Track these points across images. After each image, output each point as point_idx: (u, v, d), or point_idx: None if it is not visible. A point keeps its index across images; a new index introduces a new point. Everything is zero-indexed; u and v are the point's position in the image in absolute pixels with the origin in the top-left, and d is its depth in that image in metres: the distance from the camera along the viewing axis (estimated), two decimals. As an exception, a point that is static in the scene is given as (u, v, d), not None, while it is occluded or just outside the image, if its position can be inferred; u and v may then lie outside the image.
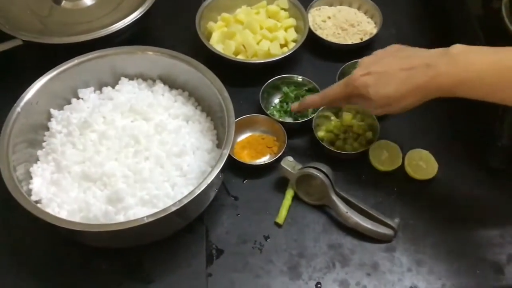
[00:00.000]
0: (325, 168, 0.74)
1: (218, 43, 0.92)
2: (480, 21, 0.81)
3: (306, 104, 0.78)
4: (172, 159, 0.74)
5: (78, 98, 0.81)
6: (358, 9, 0.98)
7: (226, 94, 0.75)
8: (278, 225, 0.74)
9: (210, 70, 0.78)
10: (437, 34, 0.96)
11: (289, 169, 0.75)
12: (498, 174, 0.77)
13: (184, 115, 0.80)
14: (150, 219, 0.65)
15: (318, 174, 0.73)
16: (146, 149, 0.75)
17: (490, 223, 0.74)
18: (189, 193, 0.67)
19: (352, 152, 0.79)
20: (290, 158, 0.77)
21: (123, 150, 0.75)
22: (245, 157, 0.81)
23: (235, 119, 0.77)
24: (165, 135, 0.76)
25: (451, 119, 0.85)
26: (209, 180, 0.68)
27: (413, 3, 1.03)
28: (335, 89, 0.73)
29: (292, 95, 0.87)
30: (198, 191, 0.67)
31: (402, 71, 0.66)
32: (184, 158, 0.75)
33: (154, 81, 0.83)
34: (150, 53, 0.81)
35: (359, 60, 0.73)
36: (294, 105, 0.81)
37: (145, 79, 0.83)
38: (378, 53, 0.72)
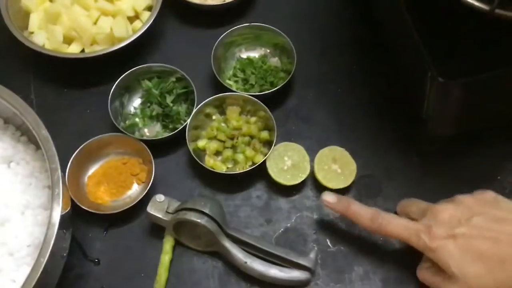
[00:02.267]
0: (207, 207, 0.54)
1: (40, 31, 0.65)
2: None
3: (348, 211, 0.54)
4: (-11, 232, 0.52)
5: None
6: None
7: (44, 131, 0.51)
8: (159, 291, 0.55)
9: (32, 74, 0.60)
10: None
11: (160, 216, 0.54)
12: (429, 166, 0.60)
13: (2, 156, 0.56)
14: None
15: (198, 221, 0.53)
16: None
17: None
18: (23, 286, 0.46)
19: (244, 171, 0.58)
20: (159, 197, 0.55)
21: None
22: (103, 196, 0.59)
23: (84, 142, 0.59)
24: (-26, 198, 0.53)
25: (368, 101, 0.65)
26: (44, 261, 0.47)
27: None
28: (395, 225, 0.52)
29: (156, 92, 0.63)
30: (31, 283, 0.46)
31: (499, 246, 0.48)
32: (7, 227, 0.53)
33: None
34: None
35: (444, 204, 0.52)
36: (330, 198, 0.55)
37: None
38: (464, 200, 0.51)
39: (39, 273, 0.46)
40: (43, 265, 0.47)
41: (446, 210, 0.51)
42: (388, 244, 0.57)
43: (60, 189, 0.49)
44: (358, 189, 0.60)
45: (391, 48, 0.61)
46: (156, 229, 0.57)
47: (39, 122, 0.51)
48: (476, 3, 0.49)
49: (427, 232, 0.50)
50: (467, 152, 0.61)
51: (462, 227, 0.49)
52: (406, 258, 0.55)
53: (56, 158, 0.50)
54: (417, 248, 0.51)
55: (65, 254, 0.53)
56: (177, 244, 0.57)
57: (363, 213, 0.53)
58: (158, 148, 0.60)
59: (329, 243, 0.57)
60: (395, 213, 0.56)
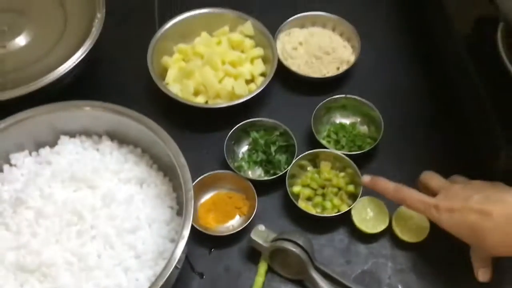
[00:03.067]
0: (301, 239, 0.64)
1: (175, 83, 0.80)
2: (470, 47, 0.70)
3: (377, 185, 0.67)
4: (123, 237, 0.63)
5: (10, 164, 0.69)
6: (333, 30, 0.87)
7: (182, 160, 0.64)
8: (251, 307, 0.65)
9: (163, 117, 0.70)
10: (420, 51, 0.85)
11: (261, 242, 0.65)
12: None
13: (137, 178, 0.69)
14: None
15: (293, 250, 0.63)
16: (92, 227, 0.64)
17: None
18: None
19: (331, 215, 0.69)
20: (261, 227, 0.66)
21: (65, 230, 0.63)
22: (211, 222, 0.71)
23: (200, 176, 0.70)
24: (114, 207, 0.65)
25: (443, 166, 0.72)
26: (170, 270, 0.57)
27: (391, 17, 0.91)
28: (414, 199, 0.64)
29: (261, 141, 0.75)
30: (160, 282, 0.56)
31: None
32: (138, 234, 0.64)
33: (100, 136, 0.72)
34: (89, 108, 0.69)
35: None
36: (366, 179, 0.68)
37: (89, 135, 0.72)
38: (472, 182, 0.64)
39: (163, 281, 0.56)
40: (167, 274, 0.56)
41: (454, 189, 0.62)
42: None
43: (191, 206, 0.61)
44: (430, 244, 0.68)
45: (473, 130, 0.71)
46: (252, 255, 0.68)
47: (178, 151, 0.64)
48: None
49: (436, 207, 0.61)
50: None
51: (459, 202, 0.60)
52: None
53: (190, 181, 0.62)
54: (432, 220, 0.63)
55: (179, 266, 0.64)
56: (269, 270, 0.67)
57: (388, 186, 0.66)
58: (259, 188, 0.72)
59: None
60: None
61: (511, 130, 0.61)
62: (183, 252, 0.59)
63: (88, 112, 0.69)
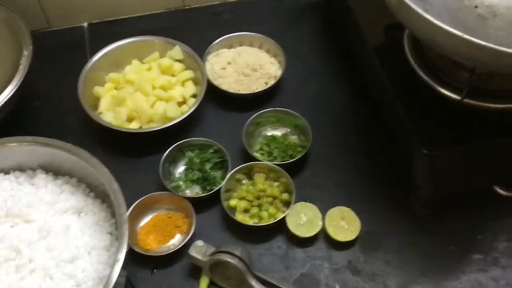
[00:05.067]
0: (238, 250, 0.66)
1: (108, 111, 0.81)
2: (380, 52, 0.75)
3: None
4: (62, 267, 0.64)
5: None
6: (260, 48, 0.91)
7: (115, 186, 0.65)
8: (195, 322, 0.66)
9: (99, 145, 0.73)
10: (342, 62, 0.90)
11: (199, 257, 0.67)
12: (426, 222, 0.72)
13: (74, 207, 0.70)
14: None
15: (230, 261, 0.65)
16: (30, 260, 0.64)
17: (422, 281, 0.69)
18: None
19: (266, 224, 0.71)
20: (199, 243, 0.68)
21: (3, 266, 0.64)
22: (151, 243, 0.72)
23: (137, 197, 0.72)
24: (51, 239, 0.66)
25: (370, 169, 0.78)
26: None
27: (313, 33, 0.95)
28: None
29: (197, 160, 0.78)
30: None
31: None
32: (77, 263, 0.65)
33: (34, 170, 0.73)
34: (21, 144, 0.70)
35: None
36: None
37: (23, 170, 0.72)
38: None
39: None
40: None
41: None
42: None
43: (126, 229, 0.62)
44: (362, 243, 0.72)
45: (390, 130, 0.75)
46: (194, 271, 0.69)
47: (111, 177, 0.66)
48: (448, 93, 0.65)
49: None
50: (452, 214, 0.73)
51: None
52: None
53: (124, 205, 0.63)
54: None
55: (119, 290, 0.65)
56: (211, 284, 0.68)
57: None
58: (197, 205, 0.74)
59: (337, 287, 0.69)
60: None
61: (421, 132, 0.65)
62: (120, 276, 0.60)
63: (21, 148, 0.70)
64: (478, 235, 0.72)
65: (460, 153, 0.64)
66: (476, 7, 0.67)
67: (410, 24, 0.58)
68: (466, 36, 0.49)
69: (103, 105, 0.82)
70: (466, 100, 0.63)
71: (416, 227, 0.73)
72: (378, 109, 0.77)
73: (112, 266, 0.64)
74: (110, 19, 0.98)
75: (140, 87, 0.81)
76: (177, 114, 0.80)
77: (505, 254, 0.70)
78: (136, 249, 0.69)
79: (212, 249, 0.68)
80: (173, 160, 0.78)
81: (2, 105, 0.74)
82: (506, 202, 0.73)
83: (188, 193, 0.77)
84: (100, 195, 0.71)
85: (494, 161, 0.67)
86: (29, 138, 0.70)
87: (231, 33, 0.91)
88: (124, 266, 0.63)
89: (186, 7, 1.00)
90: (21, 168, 0.72)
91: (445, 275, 0.69)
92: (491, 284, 0.68)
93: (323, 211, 0.73)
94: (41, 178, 0.71)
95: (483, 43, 0.49)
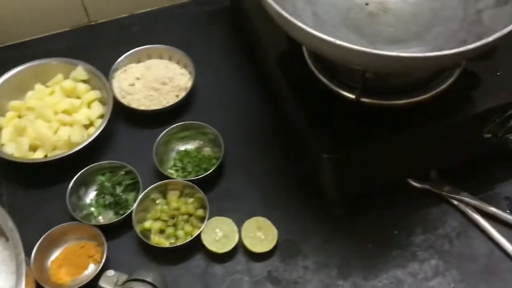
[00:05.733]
0: (150, 276, 0.64)
1: (10, 142, 0.77)
2: (279, 56, 0.73)
3: None
4: (-36, 316, 0.61)
5: None
6: (170, 59, 0.89)
7: (10, 224, 0.62)
8: None
9: (4, 179, 0.71)
10: (251, 68, 0.88)
11: (110, 288, 0.65)
12: (340, 223, 0.72)
13: (-25, 249, 0.66)
14: None
15: (142, 288, 0.63)
16: None
17: (341, 284, 0.68)
18: None
19: (181, 244, 0.69)
20: (109, 273, 0.66)
21: None
22: (64, 277, 0.69)
23: (48, 229, 0.69)
24: (-50, 286, 0.62)
25: (283, 176, 0.77)
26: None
27: (223, 43, 0.93)
28: None
29: (108, 184, 0.75)
30: None
31: None
32: (-20, 309, 0.62)
33: None
34: None
35: None
36: None
37: None
38: None
39: None
40: None
41: None
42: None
43: (23, 270, 0.59)
44: (281, 251, 0.70)
45: (295, 135, 0.75)
46: (111, 301, 0.67)
47: (6, 217, 0.62)
48: (345, 93, 0.64)
49: None
50: (367, 212, 0.73)
51: None
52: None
53: (20, 244, 0.61)
54: None
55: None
56: (129, 313, 0.66)
57: None
58: (111, 232, 0.71)
59: (260, 298, 0.68)
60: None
61: (321, 133, 0.64)
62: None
63: None
64: (394, 230, 0.72)
65: (361, 153, 0.63)
66: (367, 4, 0.66)
67: (287, 31, 0.57)
68: (338, 42, 0.48)
69: (5, 136, 0.78)
70: (362, 99, 0.62)
71: (332, 228, 0.72)
72: (286, 116, 0.76)
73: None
74: (11, 43, 0.93)
75: (41, 114, 0.77)
76: (83, 138, 0.77)
77: (421, 247, 0.70)
78: (46, 287, 0.66)
79: (125, 277, 0.65)
80: (83, 186, 0.75)
81: None
82: (420, 194, 0.74)
83: (101, 219, 0.74)
84: (3, 233, 0.68)
85: (400, 155, 0.68)
86: None
87: (139, 47, 0.89)
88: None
89: (92, 23, 0.96)
90: None
91: (365, 274, 0.69)
92: (409, 279, 0.68)
93: (240, 223, 0.71)
94: None
95: (353, 47, 0.48)
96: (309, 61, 0.68)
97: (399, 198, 0.73)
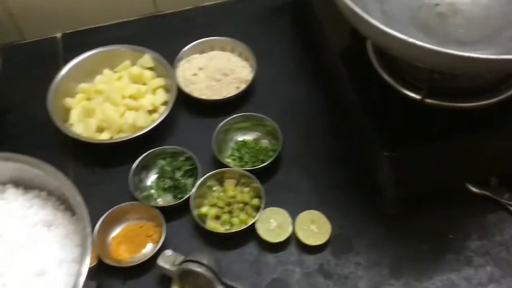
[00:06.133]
0: (205, 259, 0.66)
1: (78, 123, 0.81)
2: (343, 53, 0.74)
3: None
4: (32, 282, 0.64)
5: None
6: (232, 52, 0.91)
7: (78, 199, 0.65)
8: (166, 332, 0.66)
9: (71, 157, 0.74)
10: (313, 64, 0.89)
11: (168, 267, 0.67)
12: (396, 224, 0.72)
13: (44, 221, 0.70)
14: None
15: (198, 270, 0.65)
16: (0, 275, 0.64)
17: (392, 283, 0.68)
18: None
19: (237, 231, 0.71)
20: (168, 252, 0.68)
21: (-28, 282, 0.64)
22: (123, 253, 0.72)
23: (110, 207, 0.73)
24: (21, 253, 0.66)
25: (341, 172, 0.77)
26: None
27: (285, 37, 0.94)
28: None
29: (168, 168, 0.78)
30: None
31: None
32: (47, 276, 0.65)
33: (4, 185, 0.73)
34: (-11, 160, 0.70)
35: None
36: None
37: (-6, 185, 0.73)
38: None
39: None
40: None
41: None
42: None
43: (89, 244, 0.62)
44: (333, 246, 0.71)
45: (354, 131, 0.75)
46: (165, 281, 0.69)
47: (75, 191, 0.66)
48: (409, 93, 0.64)
49: None
50: (423, 214, 0.72)
51: None
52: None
53: (87, 218, 0.64)
54: None
55: (89, 303, 0.66)
56: (182, 293, 0.69)
57: None
58: (169, 214, 0.74)
59: (311, 291, 0.69)
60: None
61: (384, 132, 0.64)
62: (87, 286, 0.60)
63: (-10, 163, 0.71)
64: (449, 234, 0.71)
65: (421, 154, 0.63)
66: (436, 5, 0.66)
67: (358, 27, 0.58)
68: (410, 40, 0.48)
69: (74, 116, 0.82)
70: (426, 100, 0.62)
71: (387, 227, 0.72)
72: (346, 112, 0.77)
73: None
74: (83, 28, 0.98)
75: (109, 97, 0.81)
76: (147, 123, 0.80)
77: (477, 253, 0.70)
78: (107, 261, 0.69)
79: (181, 258, 0.68)
80: (145, 169, 0.78)
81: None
82: (478, 200, 0.73)
83: (160, 201, 0.77)
84: (70, 208, 0.71)
85: (462, 159, 0.67)
86: (-1, 153, 0.70)
87: (203, 38, 0.91)
88: (93, 278, 0.64)
89: (159, 13, 0.99)
90: (-9, 183, 0.73)
91: (417, 276, 0.68)
92: (463, 284, 0.68)
93: (294, 215, 0.72)
94: (11, 192, 0.72)
95: (426, 45, 0.48)
96: (373, 59, 0.68)
97: (457, 202, 0.72)
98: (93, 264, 0.63)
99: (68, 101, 0.83)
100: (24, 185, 0.73)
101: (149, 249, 0.72)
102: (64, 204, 0.72)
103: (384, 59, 0.66)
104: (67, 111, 0.83)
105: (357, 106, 0.67)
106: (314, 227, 0.71)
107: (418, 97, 0.62)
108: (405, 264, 0.70)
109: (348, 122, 0.77)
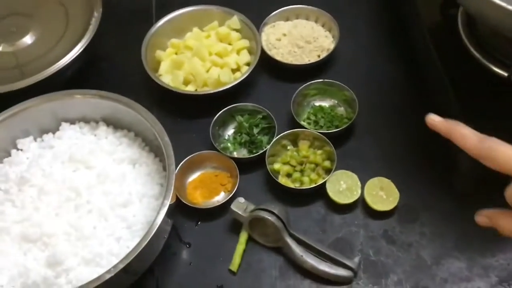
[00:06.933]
0: (277, 209, 0.70)
1: (167, 74, 0.87)
2: (432, 28, 0.74)
3: (453, 131, 0.52)
4: (116, 210, 0.70)
5: (17, 149, 0.77)
6: (316, 21, 0.93)
7: (166, 139, 0.70)
8: (232, 272, 0.70)
9: (157, 105, 0.78)
10: (396, 39, 0.90)
11: (240, 212, 0.71)
12: (466, 200, 0.72)
13: (130, 158, 0.76)
14: (96, 284, 0.61)
15: (269, 218, 0.69)
16: (88, 202, 0.70)
17: (456, 255, 0.69)
18: (133, 249, 0.63)
19: (307, 188, 0.74)
20: (241, 200, 0.72)
21: (64, 205, 0.70)
22: (198, 198, 0.77)
23: (189, 155, 0.77)
24: (108, 184, 0.72)
25: (414, 144, 0.79)
26: (152, 233, 0.64)
27: (370, 11, 0.96)
28: (505, 151, 0.49)
29: (246, 124, 0.82)
30: (139, 248, 0.63)
31: None
32: (129, 208, 0.71)
33: (97, 122, 0.79)
34: (87, 97, 0.76)
35: None
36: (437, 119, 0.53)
37: (87, 121, 0.79)
38: None
39: (146, 242, 0.63)
40: (149, 237, 0.63)
41: None
42: (420, 261, 0.69)
43: (172, 179, 0.67)
44: (399, 214, 0.73)
45: (436, 107, 0.75)
46: (235, 226, 0.73)
47: (163, 132, 0.71)
48: (497, 69, 0.64)
49: None
50: (495, 197, 0.71)
51: None
52: (434, 271, 0.68)
53: (173, 158, 0.68)
54: None
55: (166, 236, 0.70)
56: (250, 239, 0.72)
57: (471, 135, 0.50)
58: (243, 166, 0.78)
59: (371, 253, 0.70)
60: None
61: (468, 107, 0.65)
62: (166, 223, 0.65)
63: (85, 100, 0.76)
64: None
65: (504, 131, 0.63)
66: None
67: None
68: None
69: (163, 68, 0.87)
70: (514, 77, 0.62)
71: (456, 205, 0.73)
72: (427, 86, 0.77)
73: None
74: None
75: (198, 53, 0.85)
76: (230, 79, 0.84)
77: (546, 238, 0.69)
78: (184, 201, 0.74)
79: (252, 207, 0.72)
80: (223, 123, 0.83)
81: (71, 61, 0.82)
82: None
83: (235, 154, 0.81)
84: (154, 149, 0.77)
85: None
86: (93, 91, 0.76)
87: (289, 6, 0.94)
88: (170, 216, 0.68)
89: (249, -21, 1.03)
90: (85, 120, 0.79)
91: (481, 251, 0.69)
92: (527, 265, 0.68)
93: (363, 181, 0.74)
94: (103, 130, 0.78)
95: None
96: (463, 34, 0.69)
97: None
98: (172, 202, 0.68)
99: (159, 53, 0.89)
100: (114, 124, 0.79)
101: (221, 196, 0.77)
102: (149, 146, 0.77)
103: (475, 35, 0.66)
104: (157, 63, 0.89)
105: (443, 80, 0.67)
106: (382, 193, 0.73)
107: (505, 74, 0.62)
108: (470, 240, 0.70)
109: (427, 96, 0.78)
